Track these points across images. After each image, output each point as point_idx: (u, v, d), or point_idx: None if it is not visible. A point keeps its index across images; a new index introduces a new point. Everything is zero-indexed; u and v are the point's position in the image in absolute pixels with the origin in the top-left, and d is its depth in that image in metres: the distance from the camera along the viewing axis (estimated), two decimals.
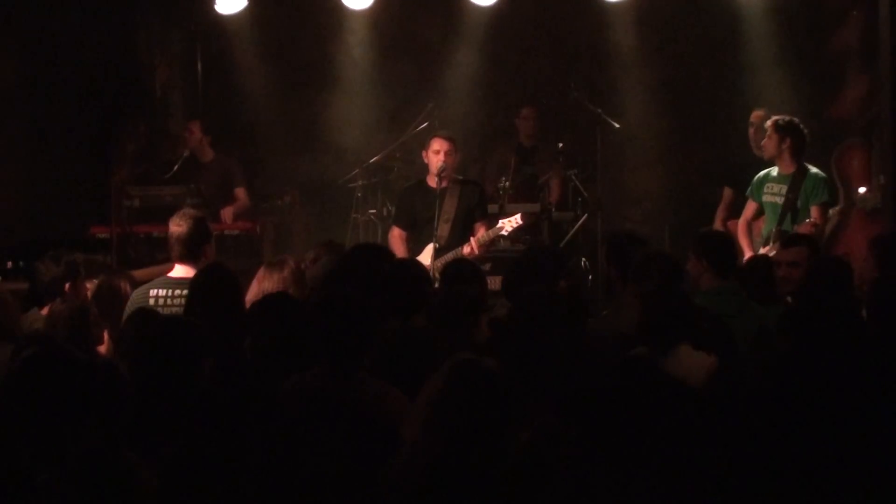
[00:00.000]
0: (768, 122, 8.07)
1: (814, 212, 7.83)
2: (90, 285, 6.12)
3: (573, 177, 9.78)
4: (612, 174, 10.14)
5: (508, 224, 7.78)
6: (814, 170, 8.02)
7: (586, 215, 9.65)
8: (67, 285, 6.12)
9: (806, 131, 8.04)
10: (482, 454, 3.25)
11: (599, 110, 9.94)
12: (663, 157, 10.23)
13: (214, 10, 9.78)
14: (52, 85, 9.61)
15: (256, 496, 3.32)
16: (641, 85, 10.25)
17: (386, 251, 6.31)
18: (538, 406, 3.62)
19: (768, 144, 8.02)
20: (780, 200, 7.97)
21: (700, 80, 10.12)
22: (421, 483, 3.22)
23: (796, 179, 7.92)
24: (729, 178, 9.11)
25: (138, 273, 6.52)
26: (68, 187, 9.46)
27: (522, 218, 7.82)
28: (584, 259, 9.48)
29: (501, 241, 8.23)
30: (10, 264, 8.27)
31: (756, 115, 9.05)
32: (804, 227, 7.51)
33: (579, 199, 9.75)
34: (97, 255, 7.61)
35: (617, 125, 9.88)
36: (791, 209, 7.90)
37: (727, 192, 9.07)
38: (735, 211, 9.01)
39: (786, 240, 6.82)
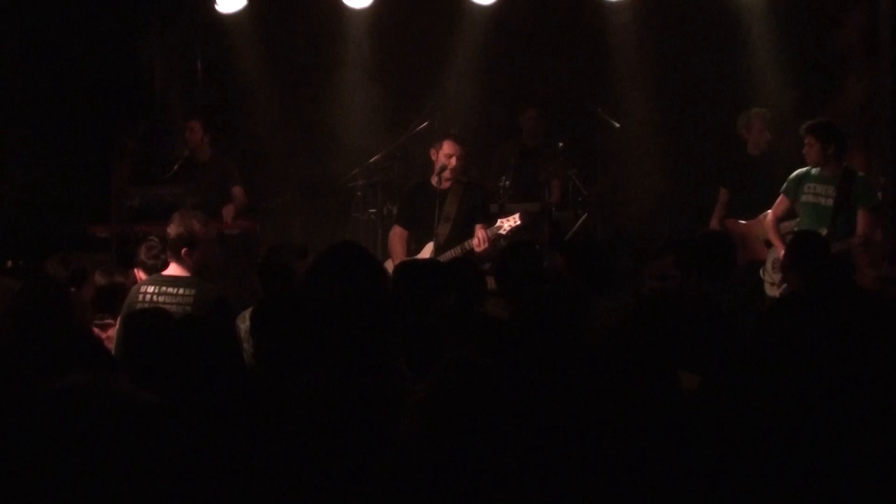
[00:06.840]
0: (803, 128, 7.84)
1: (862, 217, 7.62)
2: None
3: (573, 176, 9.79)
4: (612, 174, 10.15)
5: (507, 223, 7.76)
6: (860, 173, 7.83)
7: (586, 215, 9.66)
8: (73, 289, 6.13)
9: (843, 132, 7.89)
10: (475, 454, 3.22)
11: (599, 110, 9.96)
12: (663, 156, 10.23)
13: (214, 10, 9.80)
14: (52, 85, 9.61)
15: (260, 496, 3.31)
16: (641, 85, 10.25)
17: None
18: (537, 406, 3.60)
19: (810, 152, 7.78)
20: (825, 202, 7.74)
21: (700, 79, 10.12)
22: (415, 483, 3.20)
23: (845, 182, 7.71)
24: (724, 179, 9.10)
25: None
26: (68, 187, 9.45)
27: (521, 217, 7.79)
28: None
29: (502, 240, 8.21)
30: (10, 264, 8.27)
31: (754, 113, 9.05)
32: (855, 243, 7.43)
33: (579, 199, 9.76)
34: (97, 254, 7.63)
35: (617, 125, 9.90)
36: (844, 211, 7.67)
37: (722, 193, 9.06)
38: (730, 210, 9.00)
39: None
